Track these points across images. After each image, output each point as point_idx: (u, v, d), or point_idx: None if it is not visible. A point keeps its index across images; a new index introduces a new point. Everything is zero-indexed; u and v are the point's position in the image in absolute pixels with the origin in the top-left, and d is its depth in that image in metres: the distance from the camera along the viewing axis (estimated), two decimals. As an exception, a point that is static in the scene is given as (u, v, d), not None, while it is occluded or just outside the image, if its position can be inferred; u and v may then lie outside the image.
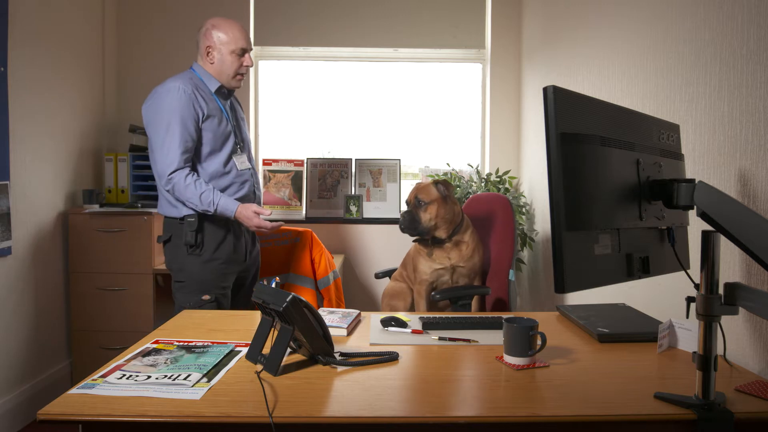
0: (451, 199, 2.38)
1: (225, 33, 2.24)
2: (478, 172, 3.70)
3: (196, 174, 2.18)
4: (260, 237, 2.79)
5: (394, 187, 3.84)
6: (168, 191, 2.18)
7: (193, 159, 2.21)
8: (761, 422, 1.16)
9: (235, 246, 2.29)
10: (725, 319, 1.19)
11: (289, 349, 1.42)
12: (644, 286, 1.98)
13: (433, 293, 2.31)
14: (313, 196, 3.82)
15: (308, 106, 3.97)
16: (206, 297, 2.19)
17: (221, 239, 2.25)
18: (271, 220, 2.25)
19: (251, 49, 2.32)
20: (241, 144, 2.34)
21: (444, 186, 2.36)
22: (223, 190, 2.23)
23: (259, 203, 2.40)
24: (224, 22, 2.27)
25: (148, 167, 3.34)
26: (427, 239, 2.39)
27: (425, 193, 2.36)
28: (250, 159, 2.39)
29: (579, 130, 1.08)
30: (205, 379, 1.29)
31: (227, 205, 2.17)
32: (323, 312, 1.78)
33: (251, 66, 2.32)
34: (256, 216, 2.18)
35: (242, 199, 2.27)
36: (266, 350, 1.37)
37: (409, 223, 2.35)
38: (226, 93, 2.32)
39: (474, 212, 2.73)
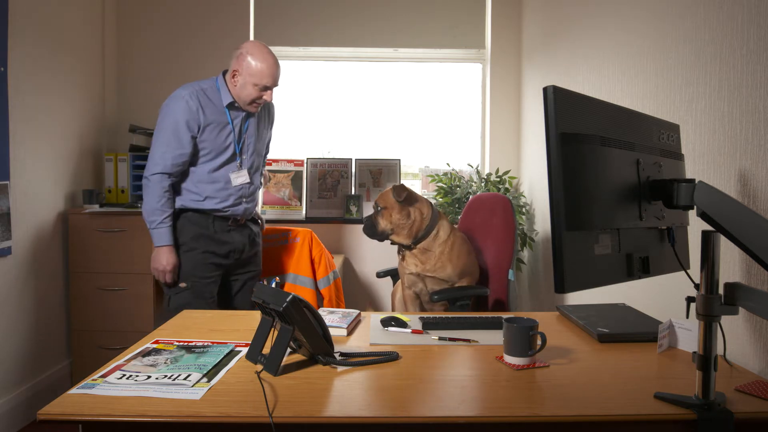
0: (412, 204, 2.37)
1: (255, 64, 2.26)
2: (478, 172, 3.70)
3: (170, 188, 2.29)
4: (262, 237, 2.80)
5: (394, 187, 3.83)
6: (143, 186, 2.31)
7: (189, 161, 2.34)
8: (761, 422, 1.16)
9: (216, 240, 2.35)
10: (725, 319, 1.19)
11: (289, 349, 1.42)
12: (644, 286, 1.98)
13: (431, 294, 2.31)
14: (313, 196, 3.82)
15: (308, 106, 3.97)
16: (182, 284, 2.31)
17: (201, 230, 2.34)
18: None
19: (276, 86, 2.35)
20: (243, 158, 2.39)
21: (397, 192, 2.37)
22: (205, 198, 2.33)
23: (250, 218, 2.48)
24: (260, 53, 2.28)
25: (148, 167, 3.37)
26: (399, 245, 2.42)
27: (382, 199, 2.41)
28: (255, 173, 2.46)
29: (579, 130, 1.08)
30: (205, 379, 1.29)
31: (163, 234, 2.28)
32: (323, 312, 1.78)
33: (270, 101, 2.39)
34: (165, 268, 2.27)
35: (224, 210, 2.35)
36: (266, 350, 1.37)
37: (366, 228, 2.44)
38: (239, 107, 2.36)
39: (475, 212, 2.73)
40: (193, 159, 2.32)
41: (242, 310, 2.31)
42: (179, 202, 2.34)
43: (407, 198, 2.37)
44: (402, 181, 3.86)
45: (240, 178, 2.38)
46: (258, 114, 2.44)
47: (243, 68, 2.27)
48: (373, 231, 2.42)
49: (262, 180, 2.56)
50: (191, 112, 2.26)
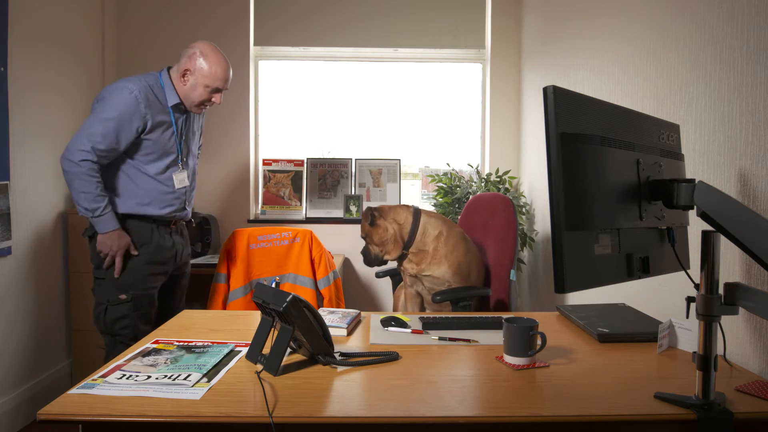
0: (386, 218, 2.38)
1: (209, 66, 2.21)
2: (478, 172, 3.70)
3: (101, 175, 2.14)
4: (260, 236, 2.80)
5: (394, 187, 3.84)
6: (66, 170, 2.12)
7: (132, 163, 2.21)
8: (761, 422, 1.16)
9: (159, 247, 2.28)
10: (725, 319, 1.19)
11: (289, 349, 1.42)
12: (644, 286, 1.98)
13: (433, 294, 2.31)
14: (313, 196, 3.82)
15: (308, 106, 3.97)
16: (123, 296, 2.19)
17: (144, 241, 2.24)
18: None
19: (226, 89, 2.30)
20: (184, 160, 2.32)
21: (365, 217, 2.41)
22: (149, 202, 2.23)
23: (186, 218, 2.42)
24: (213, 54, 2.23)
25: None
26: (396, 260, 2.42)
27: (361, 229, 2.45)
28: (192, 174, 2.40)
29: (579, 130, 1.08)
30: (205, 379, 1.29)
31: (108, 221, 2.14)
32: (323, 312, 1.78)
33: (219, 104, 2.31)
34: (121, 247, 2.16)
35: (169, 216, 2.28)
36: (266, 350, 1.37)
37: (365, 260, 2.48)
38: (183, 109, 2.30)
39: (475, 212, 2.73)
40: (141, 160, 2.20)
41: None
42: (121, 208, 2.20)
43: (377, 216, 2.38)
44: (402, 181, 3.86)
45: (182, 181, 2.31)
46: (193, 116, 2.38)
47: (195, 69, 2.21)
48: (369, 259, 2.45)
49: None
50: (139, 110, 2.14)
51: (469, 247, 2.43)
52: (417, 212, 2.39)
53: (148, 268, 2.24)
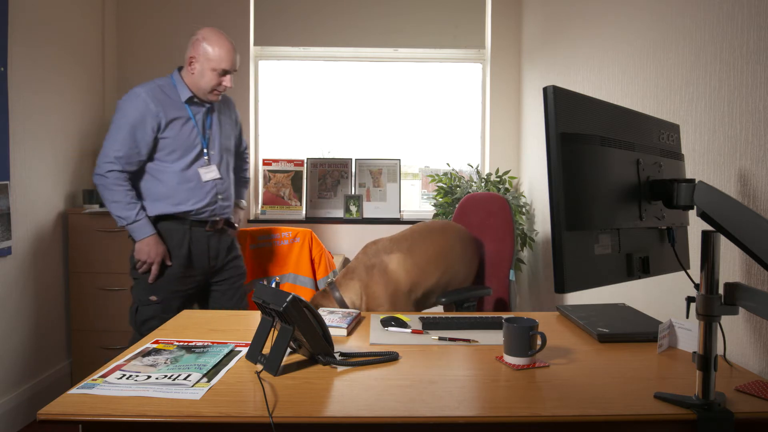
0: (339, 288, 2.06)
1: (212, 49, 2.22)
2: (478, 172, 3.70)
3: (130, 184, 2.22)
4: (260, 236, 2.80)
5: (394, 187, 3.84)
6: (97, 184, 2.22)
7: (157, 164, 2.25)
8: (761, 422, 1.16)
9: (192, 250, 2.29)
10: (725, 319, 1.19)
11: (289, 349, 1.42)
12: (644, 286, 1.98)
13: (437, 297, 2.29)
14: (313, 196, 3.82)
15: (308, 106, 3.97)
16: (153, 298, 2.24)
17: (177, 244, 2.27)
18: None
19: (235, 71, 2.30)
20: (211, 153, 2.32)
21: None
22: (179, 201, 2.24)
23: (223, 216, 2.37)
24: (216, 37, 2.24)
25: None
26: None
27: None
28: (226, 169, 2.39)
29: (579, 130, 1.08)
30: (205, 379, 1.29)
31: (143, 227, 2.20)
32: (323, 312, 1.78)
33: (230, 87, 2.29)
34: (158, 255, 2.21)
35: (201, 211, 2.28)
36: (266, 350, 1.37)
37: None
38: (199, 102, 2.30)
39: (470, 212, 2.71)
40: (164, 159, 2.23)
41: (242, 311, 2.31)
42: (153, 210, 2.24)
43: None
44: (402, 181, 3.86)
45: (210, 173, 2.30)
46: (219, 109, 2.38)
47: (200, 54, 2.22)
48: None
49: (245, 177, 2.52)
50: (150, 110, 2.18)
51: (403, 259, 2.14)
52: (334, 289, 2.07)
53: (180, 271, 2.27)
